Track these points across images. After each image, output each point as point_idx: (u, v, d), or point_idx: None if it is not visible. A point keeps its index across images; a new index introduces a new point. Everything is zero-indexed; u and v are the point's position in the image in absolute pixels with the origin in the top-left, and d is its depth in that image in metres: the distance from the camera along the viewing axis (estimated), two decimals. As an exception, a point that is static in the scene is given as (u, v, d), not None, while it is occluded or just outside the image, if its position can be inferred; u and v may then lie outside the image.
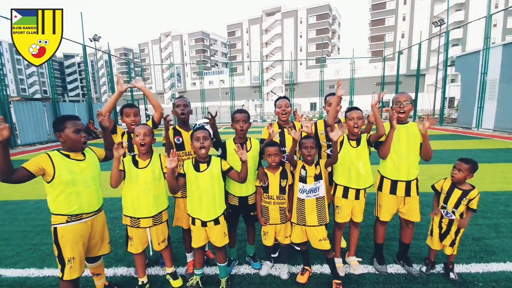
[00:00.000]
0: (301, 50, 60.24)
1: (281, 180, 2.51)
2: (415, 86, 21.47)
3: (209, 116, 2.66)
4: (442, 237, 2.54)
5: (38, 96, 74.55)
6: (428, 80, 45.87)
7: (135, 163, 2.31)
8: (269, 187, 2.51)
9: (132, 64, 32.74)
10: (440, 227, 2.54)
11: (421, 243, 3.14)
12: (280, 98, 2.98)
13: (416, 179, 2.57)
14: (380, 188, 2.67)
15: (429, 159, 2.53)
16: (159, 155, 2.45)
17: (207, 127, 2.68)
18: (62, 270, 2.00)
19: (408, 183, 2.54)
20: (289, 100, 2.98)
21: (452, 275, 2.50)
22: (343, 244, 3.08)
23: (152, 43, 79.97)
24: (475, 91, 15.21)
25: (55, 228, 1.97)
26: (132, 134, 2.52)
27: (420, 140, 2.51)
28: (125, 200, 2.35)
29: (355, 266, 2.70)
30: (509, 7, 25.12)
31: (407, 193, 2.55)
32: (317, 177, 2.45)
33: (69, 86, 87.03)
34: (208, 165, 2.36)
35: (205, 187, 2.32)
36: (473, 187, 2.43)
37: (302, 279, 2.52)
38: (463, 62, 17.33)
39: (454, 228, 2.47)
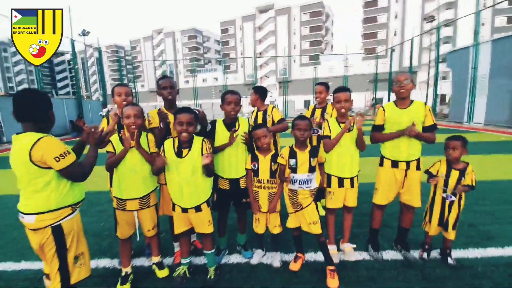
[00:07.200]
0: (294, 48, 60.16)
1: (272, 163, 2.38)
2: (407, 82, 21.59)
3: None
4: (443, 221, 2.45)
5: (26, 94, 72.78)
6: (420, 78, 46.36)
7: (123, 143, 2.15)
8: (259, 170, 2.39)
9: (123, 62, 32.16)
10: (443, 211, 2.45)
11: (419, 230, 3.06)
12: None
13: (418, 160, 2.50)
14: (381, 163, 2.61)
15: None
16: (146, 134, 2.33)
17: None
18: (65, 276, 1.66)
19: (408, 164, 2.47)
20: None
21: (450, 261, 2.42)
22: None
23: (144, 40, 78.78)
24: (466, 86, 15.32)
25: (58, 227, 1.63)
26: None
27: (423, 121, 2.48)
28: (113, 180, 2.23)
29: (350, 252, 2.61)
30: (497, 3, 25.42)
31: (408, 167, 2.49)
32: (312, 169, 2.30)
33: (59, 84, 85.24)
34: (189, 149, 2.18)
35: (185, 175, 2.15)
36: (467, 164, 2.41)
37: (294, 266, 2.42)
38: (454, 58, 17.47)
39: (454, 212, 2.40)
